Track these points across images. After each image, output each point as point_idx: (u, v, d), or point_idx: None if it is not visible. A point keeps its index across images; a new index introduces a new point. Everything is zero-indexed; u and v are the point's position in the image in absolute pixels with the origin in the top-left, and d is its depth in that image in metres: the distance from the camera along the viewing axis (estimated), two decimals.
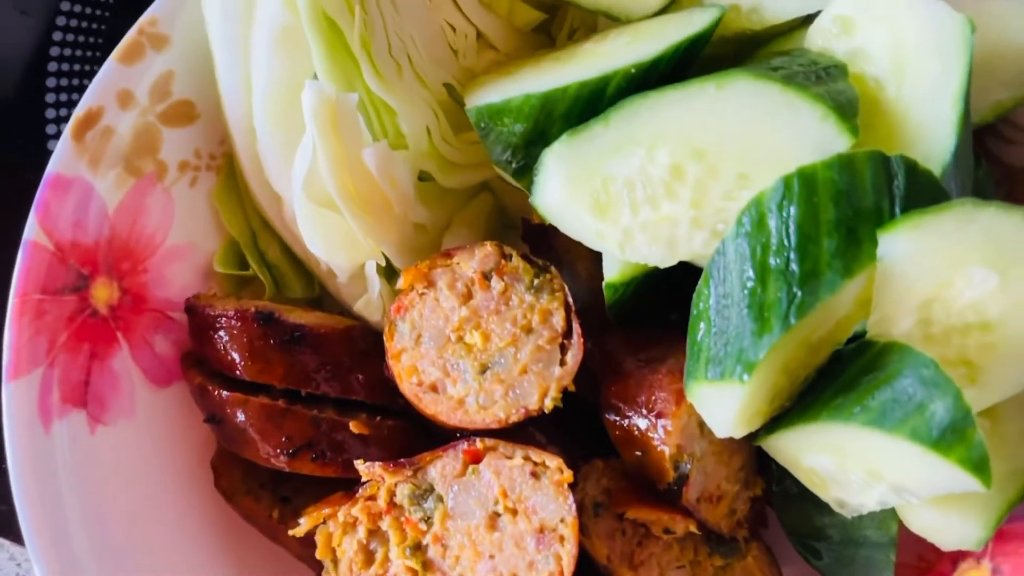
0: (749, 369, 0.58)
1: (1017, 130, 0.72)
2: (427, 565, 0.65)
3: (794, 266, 0.58)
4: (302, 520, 0.67)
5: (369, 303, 0.77)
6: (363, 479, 0.67)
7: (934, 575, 0.74)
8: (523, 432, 0.69)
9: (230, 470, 0.75)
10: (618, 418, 0.68)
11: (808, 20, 0.67)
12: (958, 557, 0.73)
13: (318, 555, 0.68)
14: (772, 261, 0.59)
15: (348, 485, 0.69)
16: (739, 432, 0.62)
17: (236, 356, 0.71)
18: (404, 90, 0.71)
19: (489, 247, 0.69)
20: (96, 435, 0.70)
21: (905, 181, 0.59)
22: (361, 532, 0.66)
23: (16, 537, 0.86)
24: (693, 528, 0.67)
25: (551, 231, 0.71)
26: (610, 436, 0.69)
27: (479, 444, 0.65)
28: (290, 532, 0.67)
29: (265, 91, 0.70)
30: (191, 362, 0.75)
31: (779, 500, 0.74)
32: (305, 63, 0.68)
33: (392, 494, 0.66)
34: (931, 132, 0.61)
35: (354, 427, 0.71)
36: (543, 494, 0.64)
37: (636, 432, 0.67)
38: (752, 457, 0.72)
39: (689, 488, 0.67)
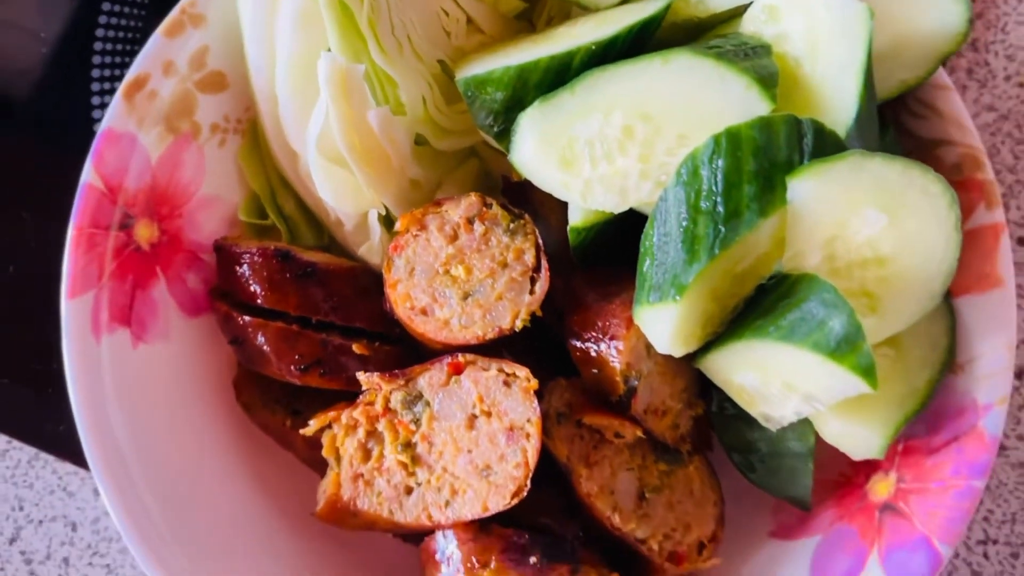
0: (681, 291, 0.70)
1: (925, 107, 0.84)
2: (416, 459, 0.78)
3: (720, 208, 0.71)
4: (311, 422, 0.80)
5: (371, 248, 0.89)
6: (363, 388, 0.79)
7: (851, 487, 0.86)
8: (499, 353, 0.82)
9: (249, 388, 0.87)
10: (579, 342, 0.80)
11: (744, 9, 0.80)
12: (870, 471, 0.85)
13: (324, 453, 0.80)
14: (703, 204, 0.71)
15: (350, 399, 0.82)
16: (677, 349, 0.74)
17: (257, 287, 0.83)
18: (404, 65, 0.83)
19: (473, 197, 0.82)
20: (137, 350, 0.82)
21: (813, 139, 0.71)
22: (360, 433, 0.79)
23: (60, 453, 0.99)
24: (640, 434, 0.79)
25: (527, 187, 0.84)
26: (572, 358, 0.81)
27: (461, 358, 0.77)
28: (301, 432, 0.80)
29: (287, 63, 0.83)
30: (218, 295, 0.87)
31: (718, 421, 0.86)
32: (321, 39, 0.81)
33: (387, 400, 0.78)
34: (837, 101, 0.73)
35: (356, 349, 0.83)
36: (513, 399, 0.76)
37: (593, 353, 0.79)
38: (694, 382, 0.84)
39: (637, 400, 0.79)
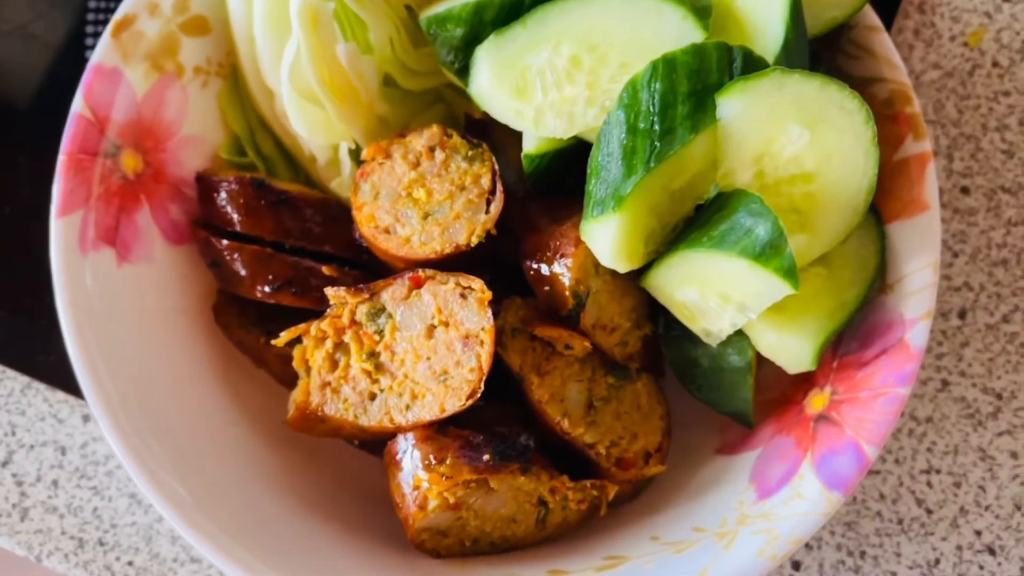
0: (620, 203, 0.76)
1: (857, 47, 0.90)
2: (379, 367, 0.83)
3: (656, 126, 0.77)
4: (282, 334, 0.85)
5: (342, 183, 0.95)
6: (331, 302, 0.85)
7: (791, 404, 0.91)
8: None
9: (227, 310, 0.93)
10: (532, 262, 0.86)
11: None
12: (808, 388, 0.90)
13: (294, 365, 0.85)
14: (641, 124, 0.77)
15: (319, 317, 0.87)
16: (620, 262, 0.80)
17: (234, 214, 0.89)
18: (372, 7, 0.90)
19: (435, 128, 0.88)
20: (121, 268, 0.88)
21: (742, 63, 0.77)
22: (328, 344, 0.84)
23: (51, 382, 1.04)
24: (588, 346, 0.85)
25: (488, 124, 0.90)
26: (526, 278, 0.87)
27: (421, 273, 0.83)
28: (272, 342, 0.85)
29: (262, 4, 0.89)
30: (199, 225, 0.94)
31: (666, 341, 0.91)
32: None
33: (353, 313, 0.84)
34: (765, 31, 0.79)
35: (325, 270, 0.89)
36: (468, 310, 0.82)
37: (545, 272, 0.85)
38: (642, 304, 0.90)
39: (585, 315, 0.84)
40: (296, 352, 0.86)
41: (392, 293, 0.83)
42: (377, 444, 0.87)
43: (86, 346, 0.84)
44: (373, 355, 0.83)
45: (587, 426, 0.84)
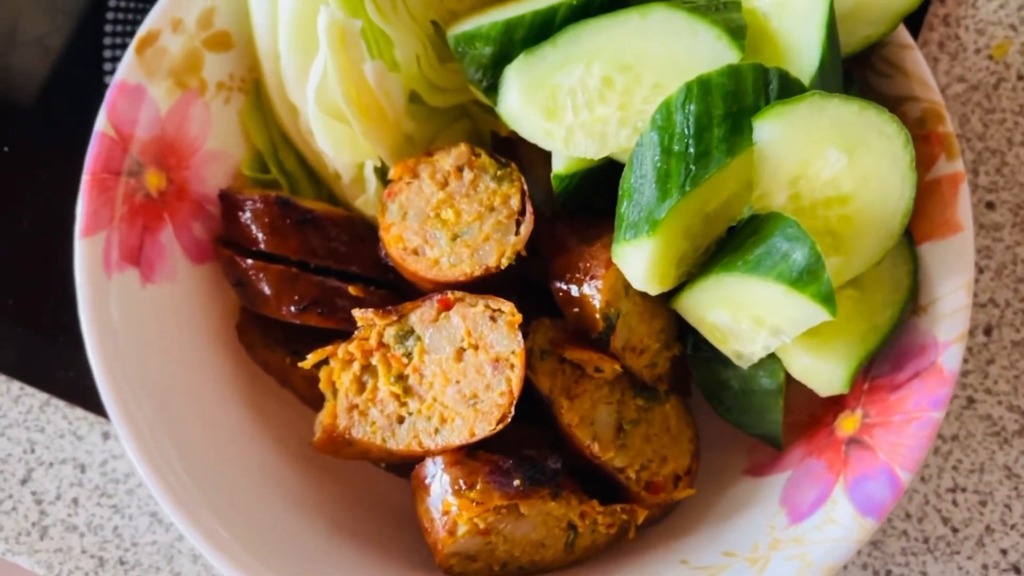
0: (654, 227, 0.75)
1: (889, 65, 0.89)
2: (407, 390, 0.82)
3: (691, 149, 0.76)
4: (309, 356, 0.84)
5: (367, 201, 0.94)
6: (358, 324, 0.84)
7: (821, 426, 0.90)
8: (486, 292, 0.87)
9: (251, 329, 0.92)
10: (561, 284, 0.85)
11: None
12: (838, 409, 0.89)
13: (321, 387, 0.84)
14: (675, 147, 0.76)
15: (345, 338, 0.86)
16: (651, 285, 0.79)
17: (259, 233, 0.88)
18: (399, 23, 0.89)
19: (463, 147, 0.87)
20: (145, 289, 0.87)
21: (779, 85, 0.76)
22: (355, 366, 0.83)
23: (70, 399, 1.03)
24: (618, 369, 0.84)
25: (515, 142, 0.89)
26: (555, 300, 0.86)
27: (450, 295, 0.82)
28: (299, 364, 0.84)
29: (288, 21, 0.88)
30: (222, 243, 0.93)
31: (695, 362, 0.90)
32: None
33: (381, 335, 0.83)
34: (801, 52, 0.78)
35: (352, 291, 0.88)
36: (498, 332, 0.81)
37: (575, 293, 0.84)
38: (672, 324, 0.89)
39: (615, 337, 0.83)
40: (323, 374, 0.85)
41: (421, 315, 0.82)
42: (405, 466, 0.86)
43: (111, 369, 0.83)
44: (401, 378, 0.82)
45: (617, 449, 0.83)
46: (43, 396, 1.04)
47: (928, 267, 0.86)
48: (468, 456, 0.81)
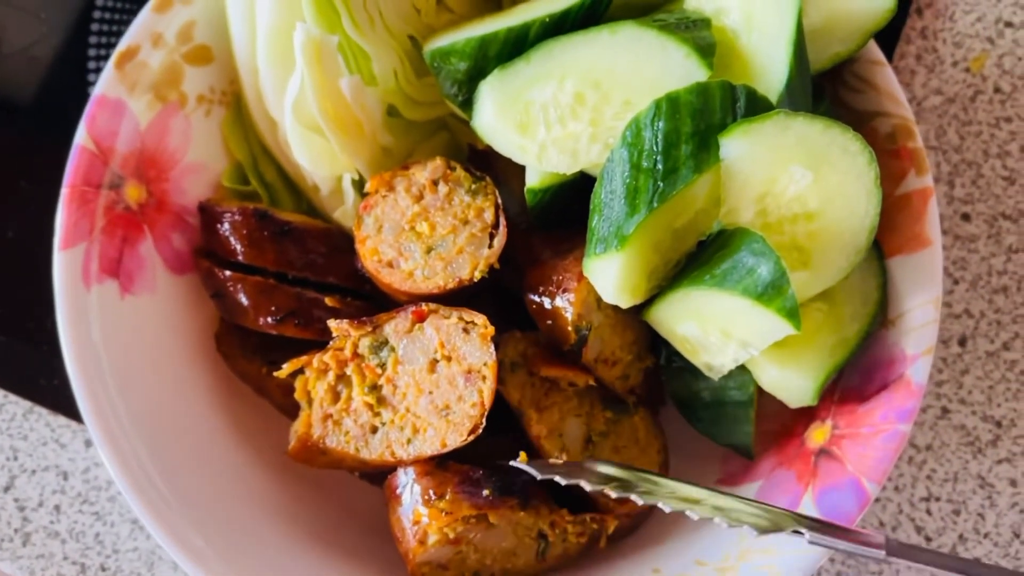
0: (623, 242, 0.76)
1: (861, 80, 0.90)
2: (381, 400, 0.83)
3: (659, 165, 0.77)
4: (284, 366, 0.85)
5: (345, 213, 0.95)
6: (333, 334, 0.85)
7: (792, 436, 0.91)
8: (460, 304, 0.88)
9: (230, 339, 0.93)
10: (534, 296, 0.86)
11: None
12: (808, 420, 0.90)
13: (296, 396, 0.86)
14: (644, 163, 0.78)
15: (322, 349, 0.87)
16: (622, 299, 0.80)
17: (237, 244, 0.89)
18: (375, 38, 0.90)
19: (439, 160, 0.88)
20: (125, 300, 0.88)
21: (746, 103, 0.78)
22: (330, 376, 0.84)
23: (53, 406, 1.05)
24: (591, 381, 0.85)
25: (491, 155, 0.90)
26: (528, 312, 0.87)
27: (424, 307, 0.83)
28: (275, 374, 0.85)
29: (266, 35, 0.89)
30: (201, 254, 0.94)
31: (667, 373, 0.92)
32: (298, 12, 0.87)
33: (356, 346, 0.84)
34: (770, 69, 0.79)
35: (328, 302, 0.89)
36: (471, 344, 0.82)
37: (547, 306, 0.85)
38: (644, 336, 0.90)
39: (587, 349, 0.85)
40: (298, 383, 0.86)
41: (395, 326, 0.84)
42: (379, 475, 0.88)
43: (90, 381, 0.84)
44: (375, 388, 0.84)
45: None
46: (26, 404, 1.05)
47: (897, 281, 0.88)
48: (438, 467, 0.82)
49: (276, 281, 0.89)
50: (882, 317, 0.87)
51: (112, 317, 0.87)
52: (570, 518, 0.83)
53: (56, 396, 1.04)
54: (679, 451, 0.94)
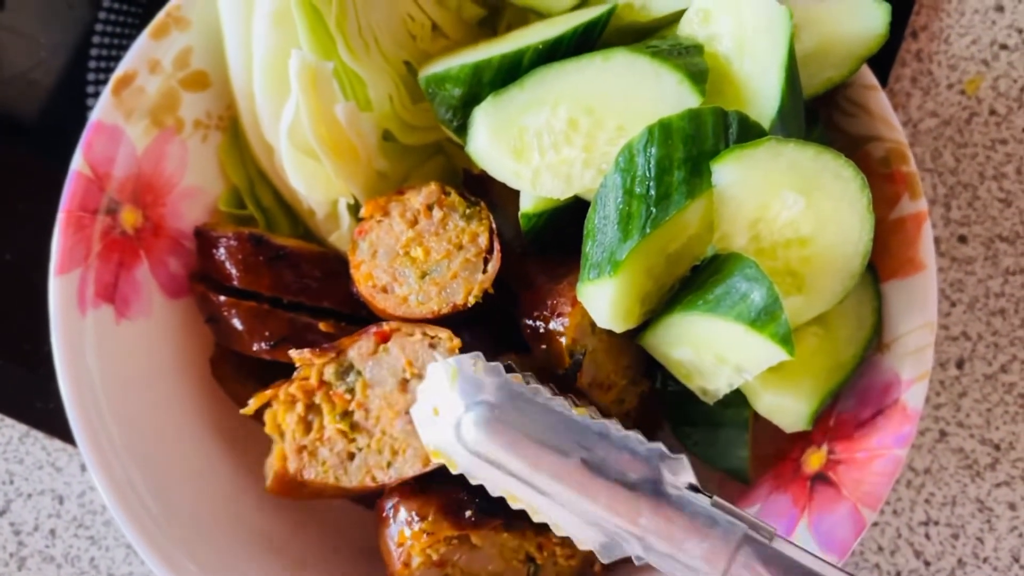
0: (616, 267, 0.76)
1: (854, 105, 0.90)
2: (354, 426, 0.83)
3: (652, 191, 0.77)
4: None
5: (340, 237, 0.95)
6: (296, 364, 0.84)
7: (788, 461, 0.91)
8: (457, 331, 0.87)
9: (224, 363, 0.94)
10: (530, 320, 0.86)
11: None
12: (805, 445, 0.90)
13: (267, 431, 0.85)
14: (637, 189, 0.78)
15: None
16: (616, 323, 0.80)
17: (232, 269, 0.90)
18: (371, 64, 0.90)
19: (433, 186, 0.88)
20: (120, 325, 0.88)
21: (738, 129, 0.78)
22: (299, 407, 0.84)
23: (49, 430, 1.05)
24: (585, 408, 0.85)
25: (486, 180, 0.90)
26: (523, 336, 0.87)
27: (386, 327, 0.83)
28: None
29: (262, 61, 0.90)
30: (197, 278, 0.94)
31: (662, 397, 0.92)
32: (293, 39, 0.87)
33: (321, 373, 0.83)
34: (762, 95, 0.79)
35: (322, 327, 0.89)
36: (440, 359, 0.81)
37: (542, 330, 0.85)
38: (639, 361, 0.90)
39: (583, 374, 0.84)
40: (267, 417, 0.85)
41: (359, 350, 0.83)
42: (371, 498, 0.87)
43: (84, 406, 0.84)
44: (347, 415, 0.83)
45: None
46: (22, 428, 1.05)
47: (892, 305, 0.87)
48: (423, 490, 0.82)
49: (271, 306, 0.89)
50: (877, 342, 0.87)
51: (107, 342, 0.87)
52: (557, 539, 0.82)
53: (52, 420, 1.04)
54: None
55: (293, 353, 0.83)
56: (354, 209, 0.95)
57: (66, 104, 1.12)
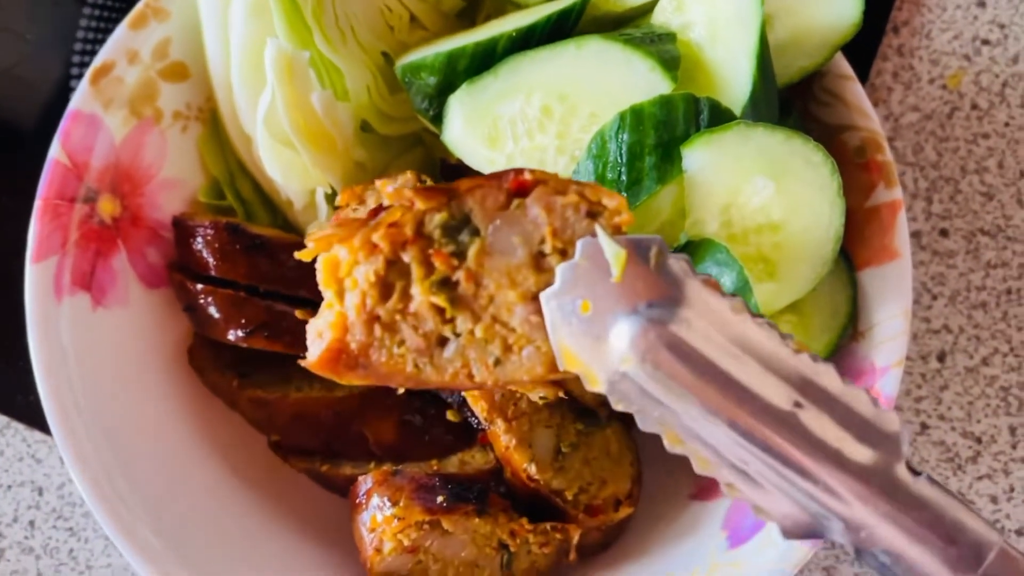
0: None
1: (829, 94, 0.90)
2: (456, 301, 0.60)
3: (624, 177, 0.77)
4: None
5: (319, 227, 0.96)
6: (385, 203, 0.62)
7: None
8: None
9: (202, 353, 0.94)
10: None
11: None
12: None
13: (322, 284, 0.63)
14: (609, 174, 0.78)
15: (292, 360, 0.86)
16: None
17: (209, 258, 0.90)
18: (348, 54, 0.91)
19: (409, 174, 0.89)
20: (96, 313, 0.89)
21: (709, 115, 0.78)
22: (379, 262, 0.60)
23: (29, 422, 1.05)
24: (562, 393, 0.85)
25: (463, 169, 0.90)
26: None
27: (528, 175, 0.60)
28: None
29: (239, 51, 0.90)
30: (175, 267, 0.94)
31: None
32: (270, 29, 0.88)
33: (421, 223, 0.60)
34: (734, 82, 0.80)
35: (299, 314, 0.89)
36: (600, 237, 0.59)
37: None
38: None
39: None
40: (325, 263, 0.62)
41: (482, 200, 0.60)
42: (344, 486, 0.87)
43: (59, 393, 0.84)
44: (447, 284, 0.60)
45: (555, 472, 0.84)
46: (3, 419, 1.05)
47: (867, 293, 0.87)
48: (394, 475, 0.82)
49: (247, 294, 0.90)
50: (852, 330, 0.87)
51: (83, 329, 0.87)
52: (530, 527, 0.82)
53: (33, 412, 1.04)
54: (654, 465, 0.93)
55: (378, 183, 0.60)
56: (331, 199, 0.95)
57: (51, 100, 1.13)
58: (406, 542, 0.77)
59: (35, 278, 0.86)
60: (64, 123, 0.89)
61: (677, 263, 0.59)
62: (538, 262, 0.60)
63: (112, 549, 1.03)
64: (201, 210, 0.98)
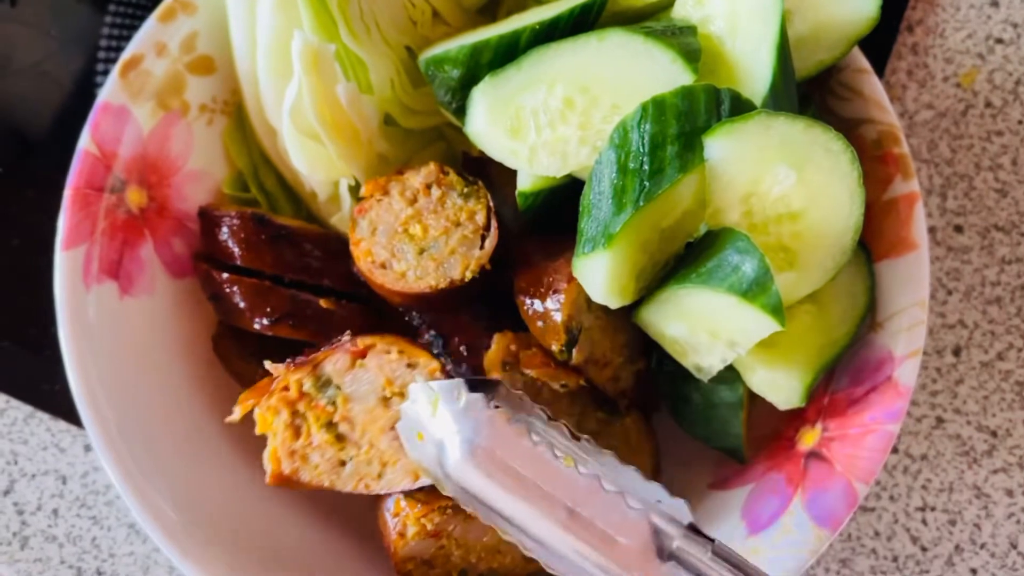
0: (610, 240, 0.78)
1: (846, 88, 0.92)
2: (341, 437, 0.83)
3: (646, 166, 0.78)
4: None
5: (342, 218, 0.97)
6: (273, 375, 0.84)
7: (783, 440, 0.92)
8: (455, 310, 0.89)
9: (226, 341, 0.95)
10: (526, 298, 0.87)
11: None
12: (799, 424, 0.91)
13: (258, 432, 0.84)
14: (631, 164, 0.79)
15: (313, 350, 0.88)
16: (610, 298, 0.81)
17: (235, 248, 0.91)
18: (372, 48, 0.92)
19: (432, 165, 0.90)
20: (123, 301, 0.90)
21: (730, 106, 0.79)
22: (285, 415, 0.83)
23: (54, 411, 1.06)
24: (582, 382, 0.86)
25: (485, 162, 0.92)
26: (520, 314, 0.89)
27: (360, 343, 0.83)
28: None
29: (266, 45, 0.92)
30: (200, 257, 0.95)
31: (658, 377, 0.92)
32: (296, 22, 0.89)
33: (300, 385, 0.84)
34: (754, 74, 0.81)
35: (323, 303, 0.91)
36: (420, 381, 0.81)
37: (538, 307, 0.86)
38: (635, 339, 0.91)
39: (578, 350, 0.85)
40: (259, 417, 0.85)
41: (335, 364, 0.83)
42: None
43: (87, 378, 0.86)
44: (331, 425, 0.83)
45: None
46: (27, 408, 1.07)
47: (885, 284, 0.88)
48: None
49: (272, 283, 0.91)
50: (870, 320, 0.88)
51: (110, 317, 0.89)
52: None
53: (57, 401, 1.06)
54: (673, 455, 0.95)
55: (268, 365, 0.83)
56: (355, 191, 0.96)
57: (76, 95, 1.15)
58: (429, 527, 0.78)
59: (65, 265, 0.87)
60: (94, 114, 0.91)
61: (477, 399, 0.76)
62: (386, 403, 0.82)
63: (135, 537, 1.04)
64: (225, 202, 0.99)
